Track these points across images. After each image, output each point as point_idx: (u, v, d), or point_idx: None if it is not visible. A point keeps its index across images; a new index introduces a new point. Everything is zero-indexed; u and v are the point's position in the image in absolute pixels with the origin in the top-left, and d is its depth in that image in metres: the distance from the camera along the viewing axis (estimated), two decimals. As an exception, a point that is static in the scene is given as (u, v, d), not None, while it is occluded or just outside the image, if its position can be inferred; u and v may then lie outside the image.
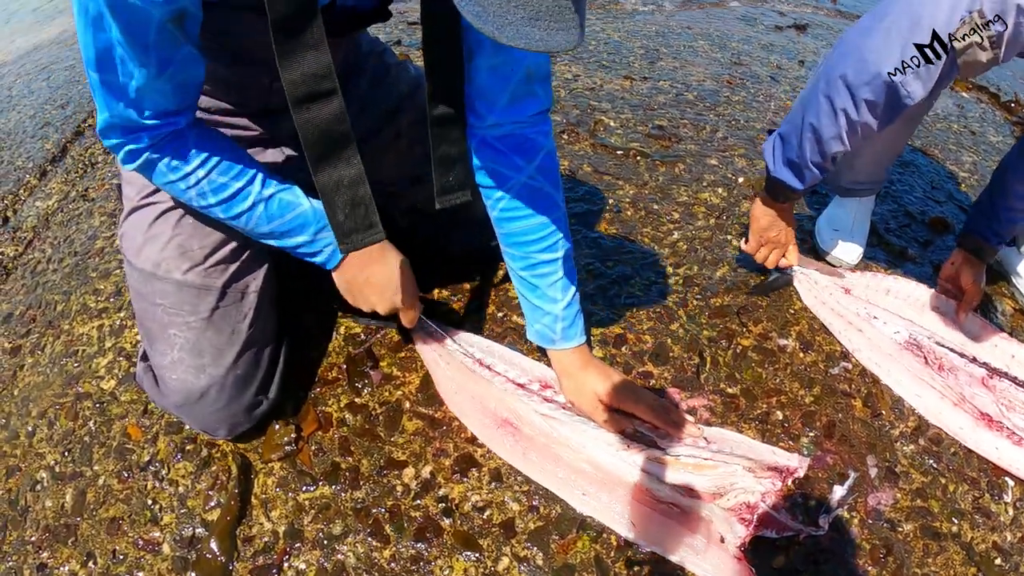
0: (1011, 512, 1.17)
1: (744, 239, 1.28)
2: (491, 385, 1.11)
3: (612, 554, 0.99)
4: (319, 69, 0.72)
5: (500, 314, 1.26)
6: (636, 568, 0.98)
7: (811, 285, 1.34)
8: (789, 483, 1.06)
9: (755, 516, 0.98)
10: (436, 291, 1.28)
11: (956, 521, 1.12)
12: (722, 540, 0.97)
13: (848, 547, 1.04)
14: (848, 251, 1.40)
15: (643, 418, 1.06)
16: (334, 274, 0.99)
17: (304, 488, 1.02)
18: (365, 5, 0.87)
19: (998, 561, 1.11)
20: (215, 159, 0.83)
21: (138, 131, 0.78)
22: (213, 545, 0.97)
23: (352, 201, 0.81)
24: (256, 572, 0.95)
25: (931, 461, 1.17)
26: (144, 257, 0.97)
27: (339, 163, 0.78)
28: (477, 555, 0.96)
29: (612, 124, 1.66)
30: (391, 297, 0.98)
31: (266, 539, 0.98)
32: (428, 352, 1.17)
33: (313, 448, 1.06)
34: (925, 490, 1.14)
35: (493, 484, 1.04)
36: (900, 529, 1.09)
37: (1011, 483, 1.20)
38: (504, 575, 0.95)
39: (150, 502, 1.04)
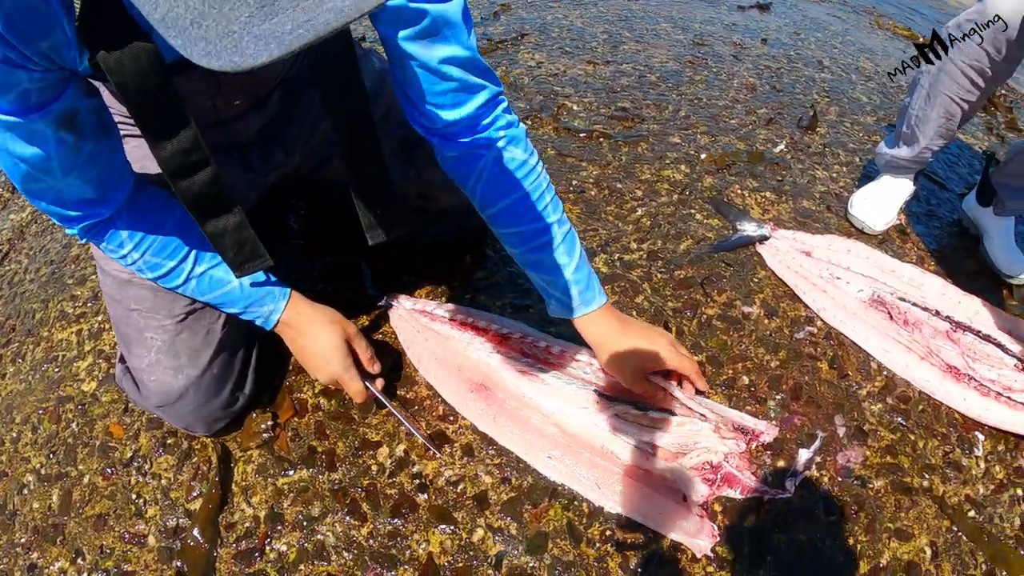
0: (982, 465, 1.16)
1: None
2: (468, 349, 1.12)
3: (584, 520, 0.98)
4: (186, 144, 0.73)
5: (468, 296, 1.25)
6: (607, 532, 0.98)
7: (774, 251, 1.32)
8: (755, 446, 1.05)
9: (718, 476, 0.97)
10: (406, 278, 1.27)
11: (927, 476, 1.11)
12: (685, 499, 0.95)
13: (819, 505, 1.03)
14: (876, 217, 1.40)
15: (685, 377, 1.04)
16: None
17: (283, 473, 1.02)
18: None
19: (971, 513, 1.09)
20: (147, 241, 0.86)
21: (68, 220, 0.81)
22: (196, 533, 0.97)
23: (238, 242, 0.84)
24: (239, 557, 0.95)
25: (899, 419, 1.16)
26: (118, 264, 0.96)
27: (221, 216, 0.81)
28: (452, 528, 0.97)
29: (575, 108, 1.64)
30: (326, 370, 0.97)
31: (248, 524, 0.98)
32: (405, 328, 1.17)
33: (290, 434, 1.07)
34: (895, 447, 1.12)
35: (465, 459, 1.04)
36: (871, 486, 1.07)
37: (981, 437, 1.19)
38: (479, 545, 0.96)
39: (134, 496, 1.04)
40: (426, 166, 1.08)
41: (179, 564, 0.96)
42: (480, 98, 0.86)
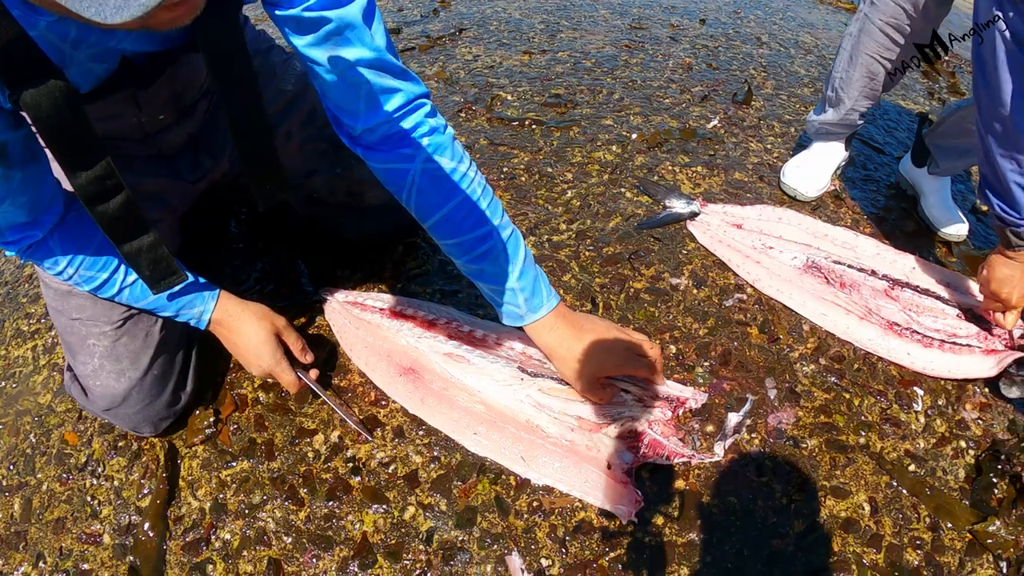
0: (922, 420, 1.15)
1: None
2: (397, 335, 1.14)
3: (511, 493, 0.99)
4: (100, 172, 0.75)
5: (399, 285, 1.25)
6: (534, 503, 0.99)
7: (705, 227, 1.31)
8: (681, 412, 1.04)
9: (643, 443, 0.96)
10: (339, 272, 1.28)
11: (864, 433, 1.10)
12: (609, 467, 0.94)
13: (750, 467, 1.02)
14: (808, 184, 1.41)
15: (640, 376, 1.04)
16: None
17: (225, 465, 1.05)
18: (168, 46, 0.87)
19: (912, 468, 1.08)
20: (79, 258, 0.89)
21: (6, 244, 0.84)
22: (147, 529, 1.01)
23: (153, 261, 0.87)
24: (187, 548, 0.98)
25: (833, 378, 1.15)
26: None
27: (136, 238, 0.84)
28: (385, 507, 0.98)
29: (509, 98, 1.65)
30: (258, 364, 1.01)
31: (194, 516, 1.01)
32: (338, 320, 1.19)
33: (231, 428, 1.09)
34: (828, 406, 1.11)
35: (396, 440, 1.05)
36: (804, 445, 1.06)
37: (920, 392, 1.18)
38: (411, 523, 0.97)
39: (89, 499, 1.07)
40: (352, 164, 1.09)
41: (132, 559, 0.99)
42: (396, 100, 0.85)
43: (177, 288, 0.93)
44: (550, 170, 1.44)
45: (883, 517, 1.03)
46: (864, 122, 1.44)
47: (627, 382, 1.04)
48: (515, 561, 0.92)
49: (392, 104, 0.84)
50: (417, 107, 0.87)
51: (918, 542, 1.01)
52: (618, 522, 0.95)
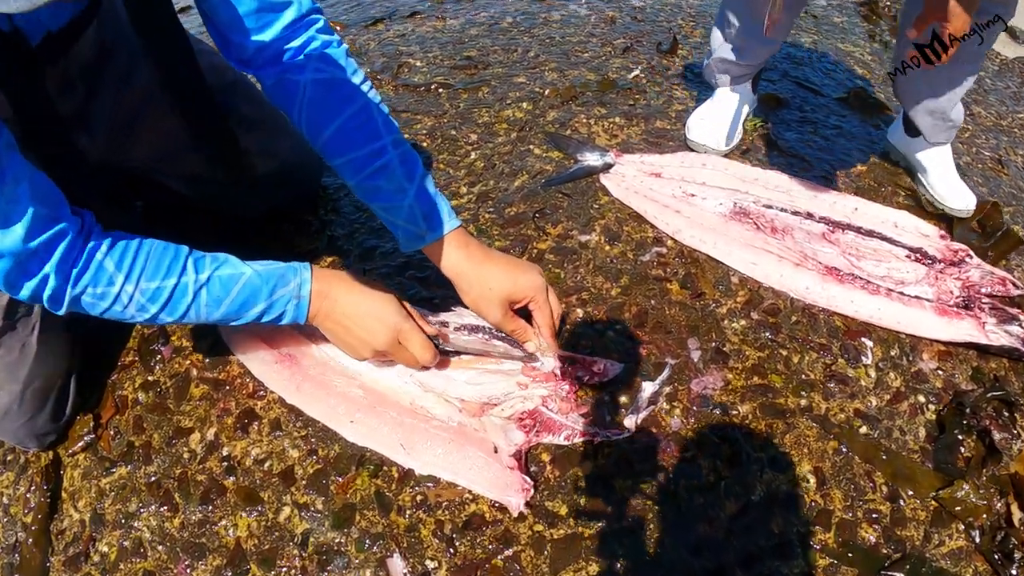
0: (873, 375, 0.95)
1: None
2: None
3: (393, 487, 0.81)
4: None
5: None
6: (418, 497, 0.80)
7: (619, 179, 1.11)
8: (586, 382, 0.84)
9: (535, 422, 0.76)
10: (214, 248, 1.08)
11: (805, 394, 0.91)
12: (496, 450, 0.75)
13: (670, 442, 0.82)
14: (716, 136, 1.19)
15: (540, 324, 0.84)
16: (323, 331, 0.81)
17: (105, 473, 0.91)
18: (61, 19, 0.74)
19: (863, 429, 0.89)
20: (138, 263, 0.67)
21: (30, 260, 0.61)
22: (31, 544, 0.90)
23: None
24: (68, 563, 0.86)
25: (767, 334, 0.95)
26: None
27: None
28: (259, 509, 0.83)
29: (418, 64, 1.44)
30: (383, 328, 0.77)
31: (75, 529, 0.88)
32: None
33: (111, 432, 0.95)
34: (762, 366, 0.92)
35: (273, 434, 0.88)
36: (735, 412, 0.87)
37: (869, 344, 0.98)
38: (285, 525, 0.81)
39: None
40: (237, 133, 0.97)
41: (18, 578, 0.85)
42: (287, 16, 0.77)
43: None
44: (453, 133, 1.24)
45: (832, 489, 0.83)
46: (769, 62, 1.23)
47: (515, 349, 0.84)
48: (396, 565, 0.74)
49: (283, 21, 0.77)
50: (310, 23, 0.80)
51: (875, 515, 0.82)
52: (513, 515, 0.75)
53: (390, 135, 0.80)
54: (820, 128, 1.33)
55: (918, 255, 1.09)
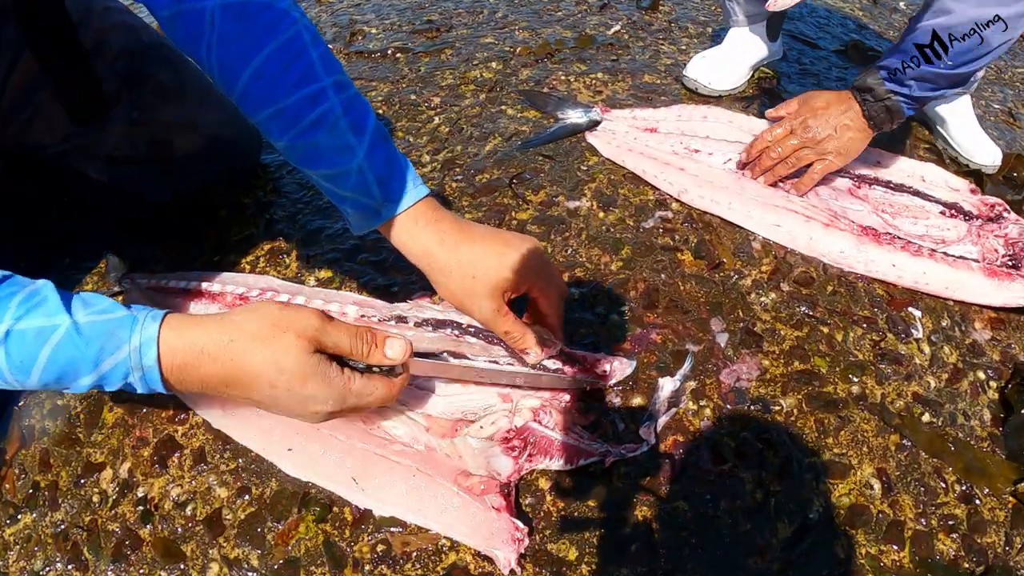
0: (926, 350, 0.79)
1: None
2: None
3: (346, 533, 0.61)
4: None
5: (216, 257, 0.85)
6: (378, 547, 0.59)
7: (609, 136, 0.93)
8: (589, 388, 0.65)
9: (525, 443, 0.56)
10: (151, 252, 0.89)
11: (856, 379, 0.73)
12: (474, 487, 0.55)
13: (702, 452, 0.64)
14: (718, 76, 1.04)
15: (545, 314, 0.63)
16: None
17: (9, 521, 0.72)
18: None
19: (925, 417, 0.72)
20: None
21: None
22: None
23: None
24: None
25: (803, 308, 0.78)
26: None
27: None
28: (181, 566, 0.63)
29: (373, 31, 1.25)
30: (324, 397, 0.49)
31: None
32: None
33: (16, 471, 0.75)
34: (803, 347, 0.74)
35: (197, 468, 0.69)
36: (777, 408, 0.69)
37: (918, 314, 0.82)
38: None
39: None
40: (154, 104, 0.81)
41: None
42: None
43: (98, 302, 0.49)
44: (414, 97, 1.04)
45: (900, 495, 0.66)
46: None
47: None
48: None
49: None
50: None
51: (951, 522, 0.65)
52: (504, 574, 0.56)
53: (330, 76, 0.59)
54: (823, 80, 1.18)
55: (953, 211, 0.93)
